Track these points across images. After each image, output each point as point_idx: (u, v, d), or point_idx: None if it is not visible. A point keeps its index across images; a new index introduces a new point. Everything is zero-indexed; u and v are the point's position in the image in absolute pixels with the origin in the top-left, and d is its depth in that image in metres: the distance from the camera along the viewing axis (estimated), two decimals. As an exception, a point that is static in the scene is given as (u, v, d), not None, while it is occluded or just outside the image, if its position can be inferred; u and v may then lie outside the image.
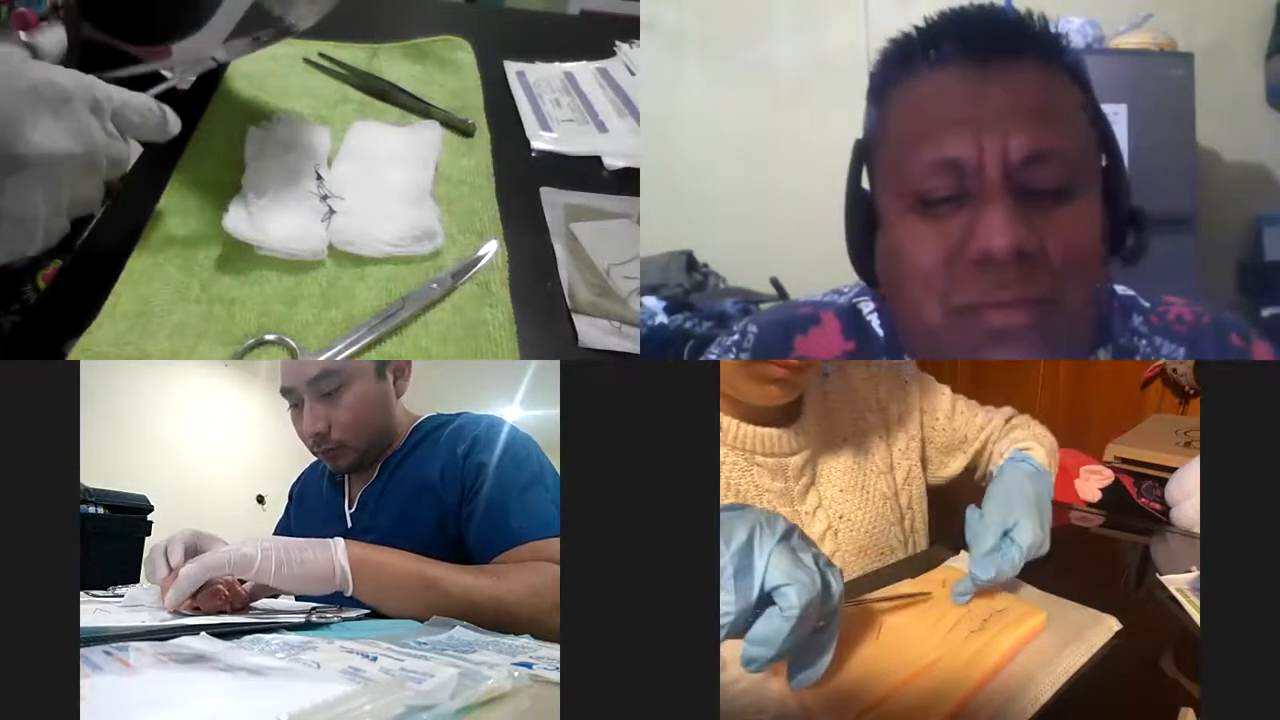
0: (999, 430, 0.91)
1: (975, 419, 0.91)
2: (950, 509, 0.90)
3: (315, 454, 0.93)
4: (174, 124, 0.75)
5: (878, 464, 0.85)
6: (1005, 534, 0.71)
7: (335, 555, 0.72)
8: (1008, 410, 0.93)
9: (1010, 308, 0.58)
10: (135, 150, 0.72)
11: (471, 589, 0.74)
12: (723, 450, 0.77)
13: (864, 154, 0.66)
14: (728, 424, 0.77)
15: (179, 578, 0.69)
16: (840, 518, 0.81)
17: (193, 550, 0.78)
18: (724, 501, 0.74)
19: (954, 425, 0.89)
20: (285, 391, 0.89)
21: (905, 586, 0.73)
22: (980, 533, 0.71)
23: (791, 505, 0.79)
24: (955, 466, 0.90)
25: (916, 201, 0.60)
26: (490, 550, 0.81)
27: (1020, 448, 0.84)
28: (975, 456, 0.91)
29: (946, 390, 0.91)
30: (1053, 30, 0.62)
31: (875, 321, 0.70)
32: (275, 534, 1.06)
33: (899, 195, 0.61)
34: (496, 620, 0.70)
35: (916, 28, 0.62)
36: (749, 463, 0.77)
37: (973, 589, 0.70)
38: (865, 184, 0.66)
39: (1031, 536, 0.70)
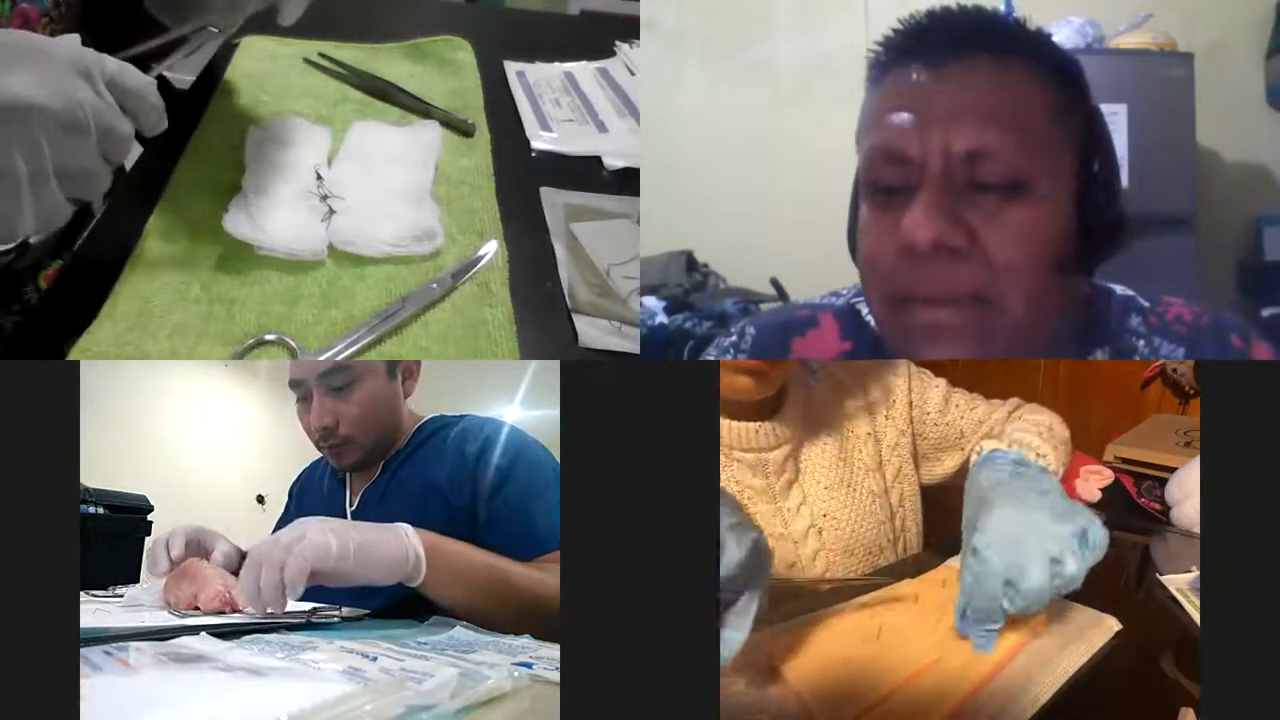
0: (1000, 424, 0.87)
1: (973, 413, 0.88)
2: (944, 510, 0.89)
3: (320, 449, 0.93)
4: (163, 114, 0.69)
5: (866, 460, 0.83)
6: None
7: (408, 540, 0.70)
8: (1014, 401, 0.89)
9: (938, 301, 0.59)
10: (131, 130, 0.66)
11: (536, 584, 0.73)
12: None
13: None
14: None
15: (286, 581, 0.65)
16: (824, 515, 0.80)
17: (194, 544, 0.78)
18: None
19: (947, 420, 0.87)
20: (293, 384, 0.89)
21: (901, 588, 0.73)
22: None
23: (774, 502, 0.78)
24: (950, 464, 0.88)
25: (872, 191, 0.62)
26: (520, 555, 0.80)
27: (994, 448, 0.75)
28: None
29: (941, 384, 0.88)
30: (1032, 32, 0.62)
31: (873, 322, 0.70)
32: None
33: (864, 185, 0.63)
34: (536, 610, 0.69)
35: (894, 29, 0.63)
36: (727, 458, 0.77)
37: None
38: None
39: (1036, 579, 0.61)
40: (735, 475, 0.77)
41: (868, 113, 0.63)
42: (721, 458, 0.76)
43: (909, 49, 0.61)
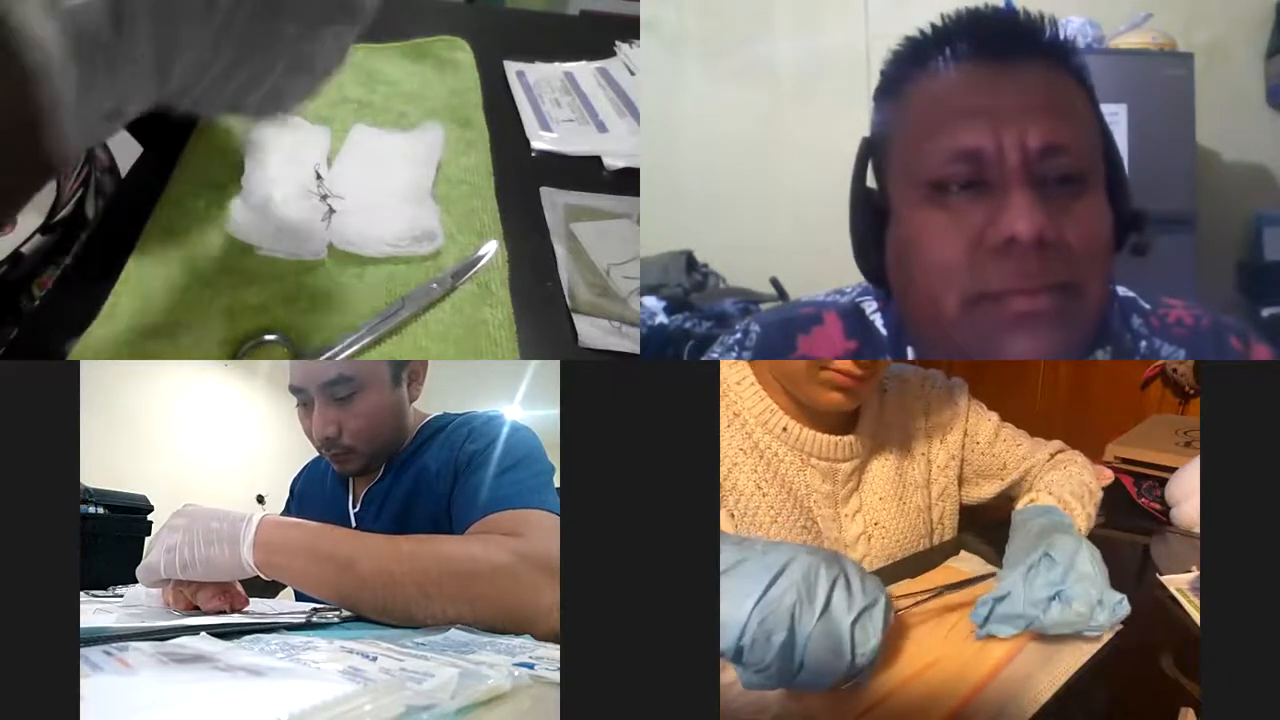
0: (1042, 464, 0.91)
1: (1018, 448, 0.91)
2: (981, 526, 0.92)
3: (322, 454, 0.93)
4: None
5: (917, 478, 0.87)
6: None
7: (242, 551, 0.69)
8: (1056, 444, 0.94)
9: (1032, 295, 0.59)
10: None
11: (394, 564, 0.70)
12: (782, 449, 0.79)
13: (872, 150, 0.66)
14: (790, 425, 0.79)
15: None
16: (876, 524, 0.83)
17: None
18: (774, 493, 0.78)
19: (994, 452, 0.91)
20: (295, 390, 0.89)
21: (902, 588, 0.73)
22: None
23: (835, 507, 0.81)
24: (988, 490, 0.91)
25: (932, 191, 0.60)
26: (461, 524, 0.80)
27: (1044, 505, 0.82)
28: (1013, 485, 0.91)
29: (994, 418, 0.92)
30: (1060, 35, 0.63)
31: (879, 321, 0.71)
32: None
33: (912, 187, 0.62)
34: (421, 593, 0.68)
35: (933, 25, 0.63)
36: (804, 463, 0.80)
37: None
38: (870, 182, 0.66)
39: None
40: (807, 480, 0.80)
41: (920, 105, 0.62)
42: (798, 462, 0.79)
43: (955, 44, 0.61)
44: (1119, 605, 0.66)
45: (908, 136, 0.62)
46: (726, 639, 0.55)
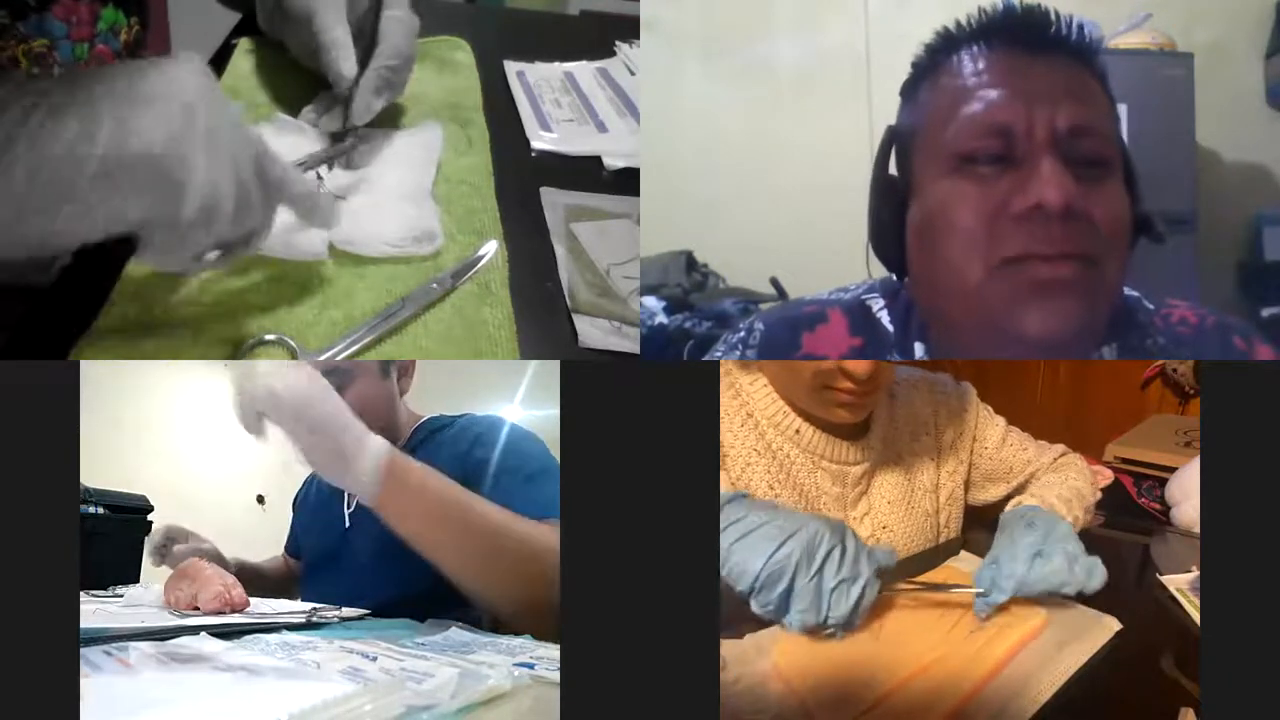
0: (1046, 467, 0.92)
1: (1024, 452, 0.92)
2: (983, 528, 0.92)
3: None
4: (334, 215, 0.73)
5: (925, 483, 0.87)
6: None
7: (366, 461, 0.68)
8: (1059, 448, 0.95)
9: (1055, 262, 0.59)
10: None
11: (499, 522, 0.72)
12: (794, 451, 0.80)
13: (897, 138, 0.68)
14: (802, 427, 0.80)
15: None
16: (883, 527, 0.83)
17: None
18: (787, 495, 0.79)
19: (1001, 456, 0.91)
20: None
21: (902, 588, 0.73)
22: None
23: (844, 510, 0.82)
24: (995, 493, 0.92)
25: (958, 164, 0.62)
26: None
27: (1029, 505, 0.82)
28: (1018, 488, 0.92)
29: (1001, 422, 0.93)
30: (1087, 38, 0.65)
31: (885, 318, 0.71)
32: (286, 547, 1.06)
33: (939, 161, 0.63)
34: (516, 563, 0.69)
35: (968, 17, 0.64)
36: (815, 465, 0.80)
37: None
38: (892, 171, 0.68)
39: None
40: (818, 481, 0.80)
41: (951, 88, 0.64)
42: (809, 464, 0.80)
43: (989, 37, 0.63)
44: (1096, 567, 0.69)
45: (937, 118, 0.64)
46: (744, 581, 0.63)
